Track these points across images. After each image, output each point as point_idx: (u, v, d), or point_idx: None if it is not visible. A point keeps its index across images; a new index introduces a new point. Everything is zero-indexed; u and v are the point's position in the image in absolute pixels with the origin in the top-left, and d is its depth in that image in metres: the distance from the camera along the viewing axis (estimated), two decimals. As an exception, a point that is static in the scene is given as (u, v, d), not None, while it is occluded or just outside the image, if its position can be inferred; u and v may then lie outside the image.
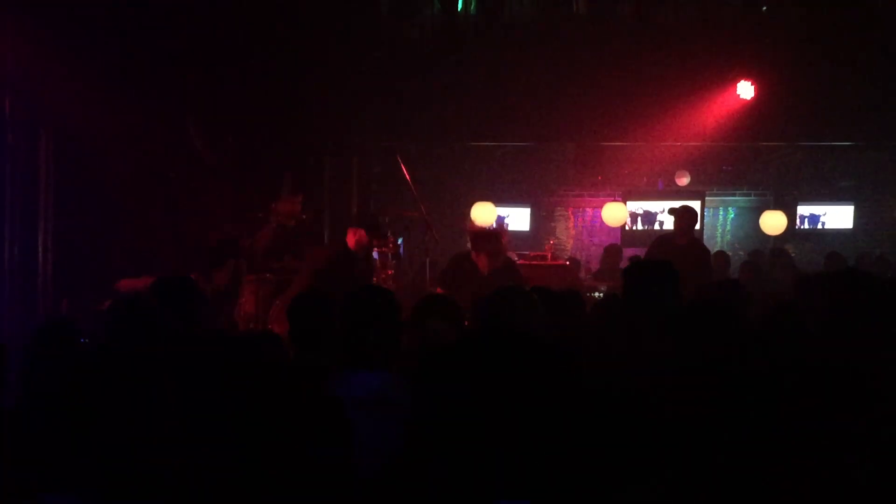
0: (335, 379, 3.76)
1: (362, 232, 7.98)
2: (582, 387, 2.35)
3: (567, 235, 14.44)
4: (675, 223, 9.54)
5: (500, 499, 2.03)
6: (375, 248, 8.81)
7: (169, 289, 5.02)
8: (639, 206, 13.35)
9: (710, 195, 13.79)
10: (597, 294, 9.86)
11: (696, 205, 13.17)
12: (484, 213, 11.80)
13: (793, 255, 13.07)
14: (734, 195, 14.35)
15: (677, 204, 10.65)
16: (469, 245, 8.62)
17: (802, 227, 14.08)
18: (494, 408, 2.19)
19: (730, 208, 14.48)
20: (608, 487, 2.52)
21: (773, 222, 13.02)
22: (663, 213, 12.92)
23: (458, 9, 10.71)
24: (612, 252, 12.23)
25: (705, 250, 9.67)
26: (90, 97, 8.08)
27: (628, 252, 11.97)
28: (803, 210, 14.10)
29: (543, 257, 10.43)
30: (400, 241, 10.10)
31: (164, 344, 4.09)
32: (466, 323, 4.94)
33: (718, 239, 14.33)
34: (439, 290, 8.30)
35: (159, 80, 8.93)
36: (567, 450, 2.17)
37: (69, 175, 8.54)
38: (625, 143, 12.62)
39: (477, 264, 8.23)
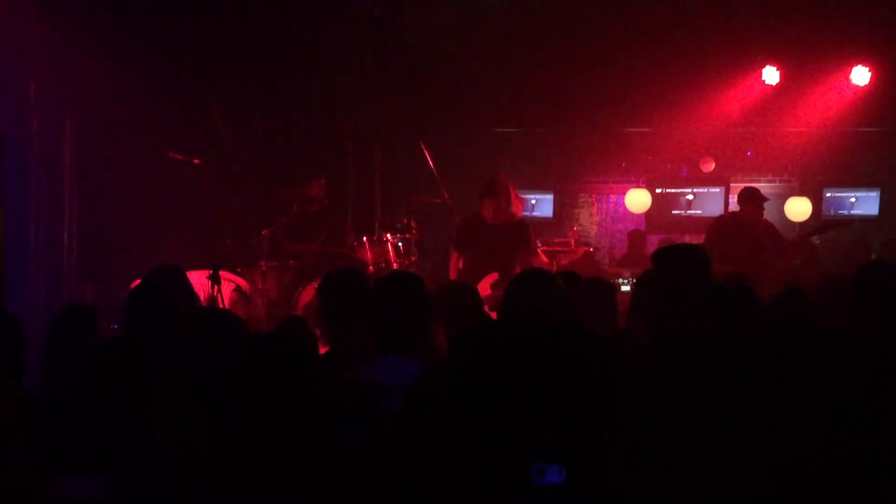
0: (365, 364, 3.75)
1: None
2: (609, 366, 2.36)
3: (591, 222, 14.37)
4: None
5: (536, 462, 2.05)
6: (398, 236, 8.86)
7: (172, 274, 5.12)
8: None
9: (734, 181, 13.68)
10: (620, 280, 9.84)
11: (720, 191, 13.14)
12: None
13: (817, 242, 12.95)
14: (759, 181, 14.22)
15: (702, 190, 10.58)
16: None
17: (828, 213, 13.95)
18: (529, 390, 2.21)
19: (754, 195, 14.34)
20: (638, 459, 2.54)
21: (798, 209, 12.92)
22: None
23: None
24: (636, 238, 12.20)
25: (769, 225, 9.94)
26: (114, 83, 8.12)
27: (652, 238, 11.94)
28: (829, 196, 13.97)
29: (567, 244, 10.39)
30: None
31: (187, 329, 4.10)
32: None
33: (743, 225, 14.20)
34: (454, 253, 8.28)
35: (183, 66, 8.96)
36: (598, 428, 2.18)
37: (94, 160, 8.58)
38: (648, 129, 12.56)
39: (484, 216, 8.19)
